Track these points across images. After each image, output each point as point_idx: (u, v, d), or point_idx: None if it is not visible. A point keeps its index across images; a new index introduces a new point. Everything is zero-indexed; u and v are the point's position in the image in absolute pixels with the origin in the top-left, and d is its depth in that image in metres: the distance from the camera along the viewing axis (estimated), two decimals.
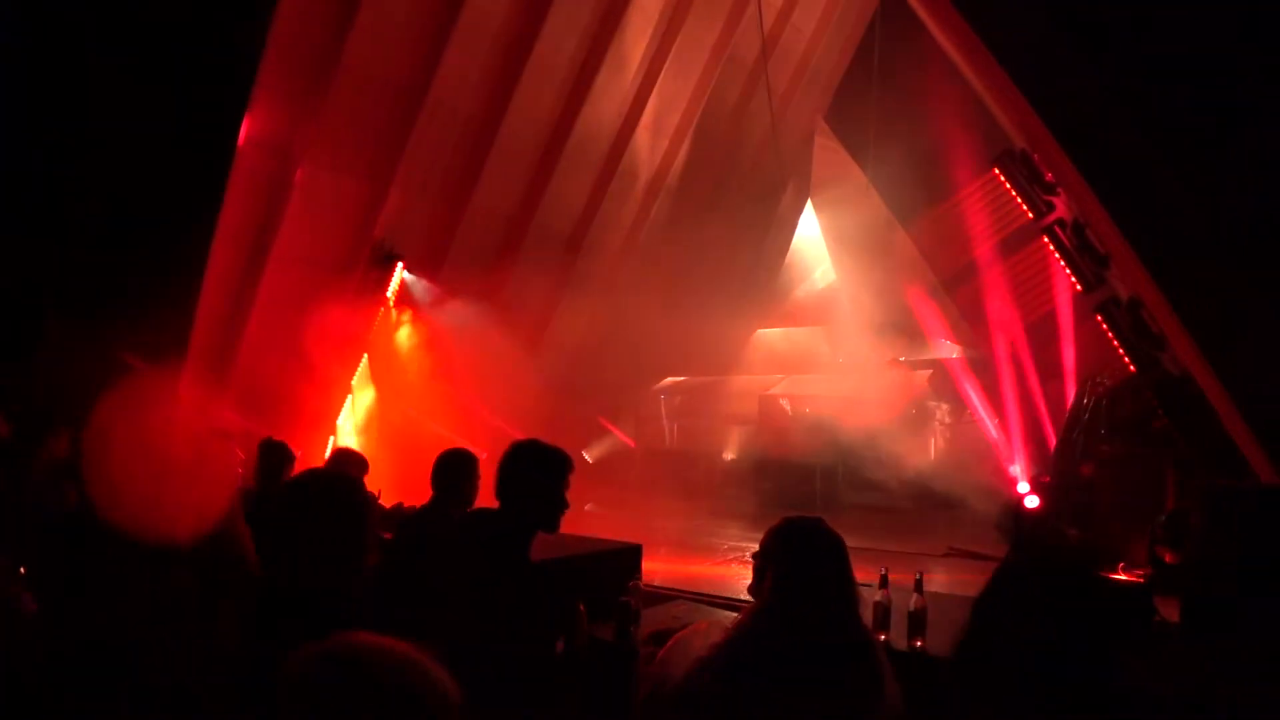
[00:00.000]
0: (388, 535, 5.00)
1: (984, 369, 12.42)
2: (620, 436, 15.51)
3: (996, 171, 9.33)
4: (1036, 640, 2.16)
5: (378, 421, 13.08)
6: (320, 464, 11.84)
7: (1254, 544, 4.46)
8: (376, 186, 11.67)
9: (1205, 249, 6.00)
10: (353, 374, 12.56)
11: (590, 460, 15.02)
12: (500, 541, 3.23)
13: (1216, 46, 5.68)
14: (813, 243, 16.33)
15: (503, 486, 3.29)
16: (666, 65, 14.11)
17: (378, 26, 10.64)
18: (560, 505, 3.29)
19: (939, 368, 13.98)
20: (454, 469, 4.82)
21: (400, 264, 12.20)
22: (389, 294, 12.24)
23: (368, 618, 2.72)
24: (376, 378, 12.80)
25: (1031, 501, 10.41)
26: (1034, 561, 2.31)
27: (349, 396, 12.63)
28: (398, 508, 6.92)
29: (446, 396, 13.19)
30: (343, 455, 6.31)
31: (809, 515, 2.74)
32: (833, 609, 2.53)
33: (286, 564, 2.54)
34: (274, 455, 5.89)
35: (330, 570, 2.54)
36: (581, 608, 3.61)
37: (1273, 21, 5.54)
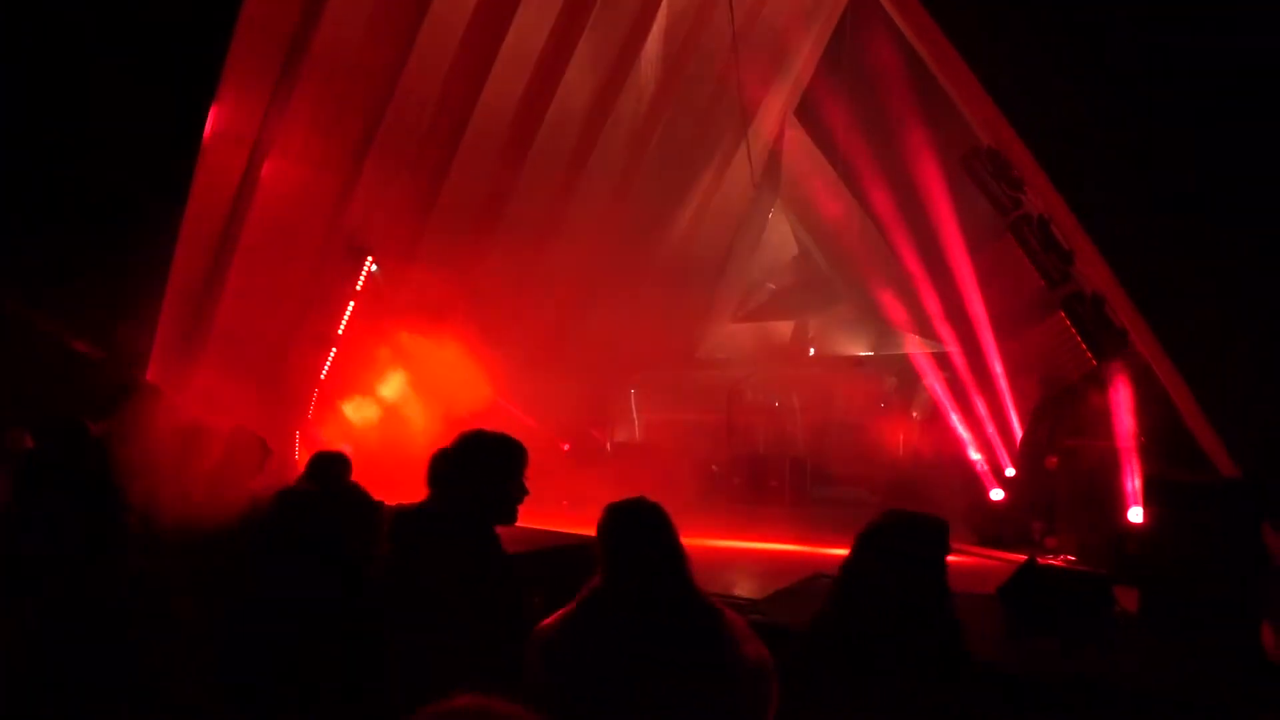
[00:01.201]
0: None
1: (952, 363, 12.54)
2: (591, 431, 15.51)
3: (962, 169, 9.42)
4: (884, 609, 2.22)
5: (350, 416, 13.01)
6: (291, 459, 11.80)
7: (1202, 535, 4.57)
8: (345, 178, 11.59)
9: (1167, 246, 6.09)
10: (322, 368, 12.48)
11: (565, 450, 15.02)
12: (470, 533, 3.20)
13: (1182, 46, 5.74)
14: (783, 237, 16.40)
15: (460, 477, 3.25)
16: (637, 58, 14.10)
17: (347, 16, 10.55)
18: (520, 495, 3.28)
19: (907, 362, 14.09)
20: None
21: (369, 256, 12.13)
22: (358, 286, 12.16)
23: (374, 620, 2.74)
24: (348, 371, 12.71)
25: (997, 494, 10.54)
26: (893, 532, 2.38)
27: (316, 391, 12.55)
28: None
29: (417, 389, 13.14)
30: (325, 458, 5.57)
31: (635, 498, 2.83)
32: (658, 583, 2.60)
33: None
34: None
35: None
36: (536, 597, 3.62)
37: (1238, 21, 5.62)
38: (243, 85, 10.10)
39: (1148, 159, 6.08)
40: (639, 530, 2.71)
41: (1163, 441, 7.83)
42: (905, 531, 2.43)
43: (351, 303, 12.23)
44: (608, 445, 15.17)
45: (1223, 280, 5.89)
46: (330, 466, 5.04)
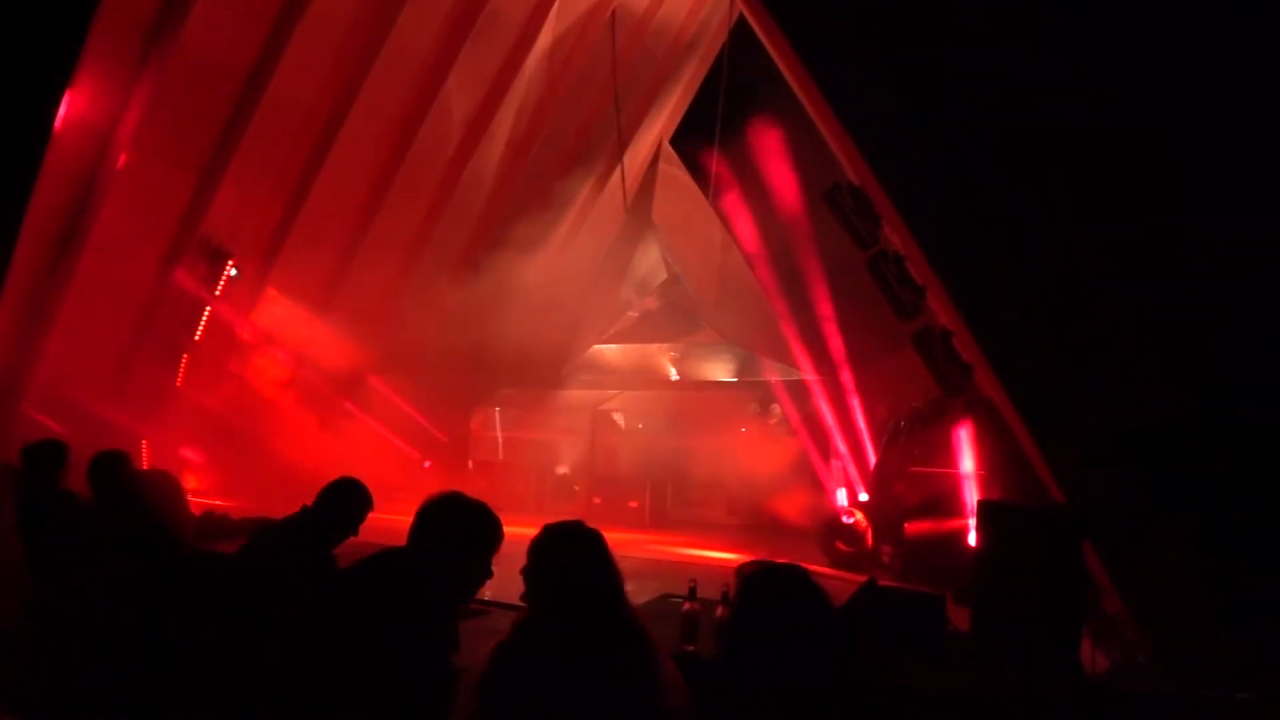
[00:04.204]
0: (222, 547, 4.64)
1: (813, 391, 12.94)
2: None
3: (826, 203, 9.77)
4: (765, 642, 2.31)
5: (202, 424, 12.53)
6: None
7: (1029, 557, 4.87)
8: (207, 178, 11.19)
9: (1008, 287, 6.48)
10: (176, 376, 11.95)
11: (426, 466, 14.83)
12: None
13: (1029, 103, 6.09)
14: (653, 261, 16.62)
15: (424, 538, 3.00)
16: (517, 76, 14.13)
17: (219, 7, 10.23)
18: (484, 574, 3.06)
19: (770, 389, 14.45)
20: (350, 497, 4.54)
21: (229, 261, 11.73)
22: (216, 292, 11.73)
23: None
24: (200, 380, 12.23)
25: (849, 519, 10.90)
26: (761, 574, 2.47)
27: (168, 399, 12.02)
28: (208, 515, 6.64)
29: (270, 402, 12.76)
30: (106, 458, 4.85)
31: (570, 520, 2.79)
32: (592, 603, 2.58)
33: None
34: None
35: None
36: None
37: (1082, 74, 6.00)
38: (101, 73, 9.67)
39: (997, 204, 6.45)
40: (575, 553, 2.65)
41: (1004, 470, 8.26)
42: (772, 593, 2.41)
43: (209, 308, 11.78)
44: (425, 464, 15.08)
45: (1058, 324, 6.28)
46: (113, 467, 4.66)
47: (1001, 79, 6.07)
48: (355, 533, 4.35)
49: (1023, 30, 5.90)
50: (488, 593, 6.98)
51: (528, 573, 2.67)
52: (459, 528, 2.97)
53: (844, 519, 10.93)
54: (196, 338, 11.84)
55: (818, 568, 10.25)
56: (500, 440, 15.86)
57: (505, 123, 14.56)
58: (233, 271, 11.81)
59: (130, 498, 3.44)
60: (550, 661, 2.46)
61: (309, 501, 4.38)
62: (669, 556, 10.35)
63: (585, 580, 2.60)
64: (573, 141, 16.01)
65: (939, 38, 6.18)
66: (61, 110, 9.32)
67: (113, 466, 4.63)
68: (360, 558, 3.06)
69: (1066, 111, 5.98)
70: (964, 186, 6.48)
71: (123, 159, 10.13)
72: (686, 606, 4.22)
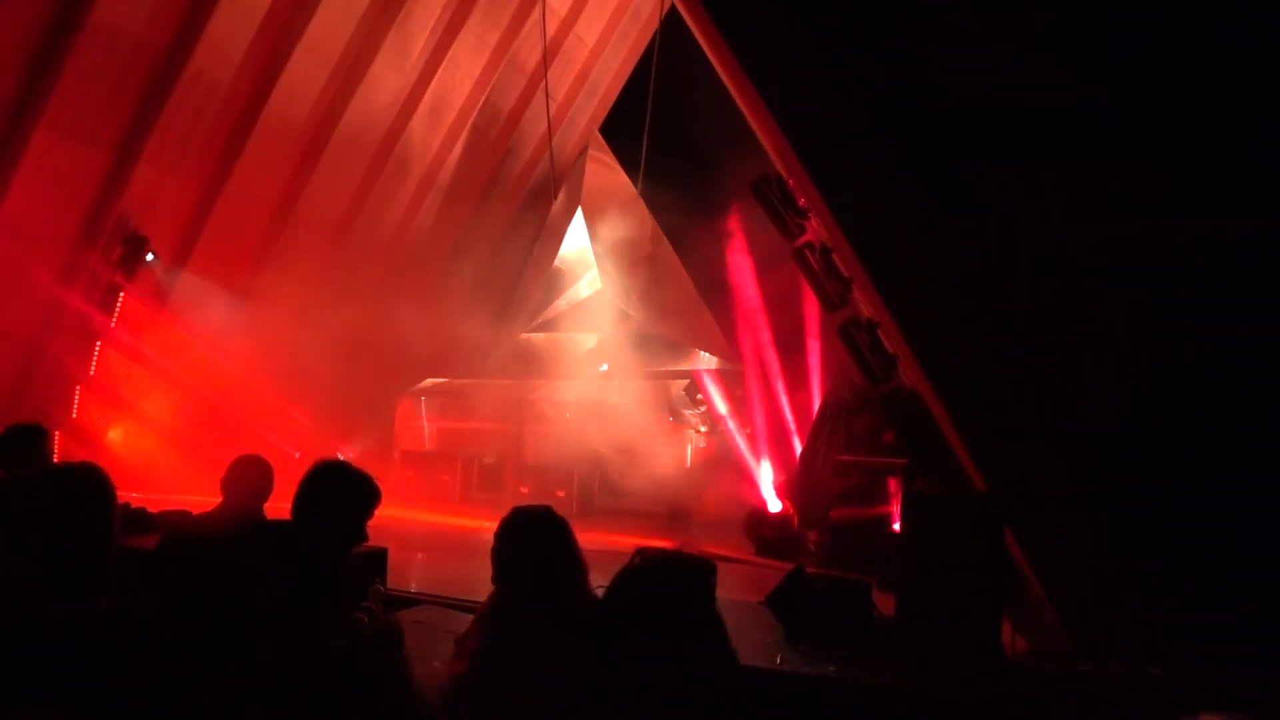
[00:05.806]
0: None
1: (738, 380, 13.05)
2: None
3: (753, 195, 9.83)
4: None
5: (115, 416, 12.15)
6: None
7: (952, 544, 4.98)
8: (122, 159, 10.84)
9: (933, 280, 6.59)
10: (88, 364, 11.55)
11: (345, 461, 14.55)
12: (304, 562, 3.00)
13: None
14: (581, 250, 16.58)
15: (306, 506, 3.09)
16: (446, 60, 13.95)
17: None
18: (358, 536, 3.14)
19: (696, 378, 14.53)
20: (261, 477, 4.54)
21: (146, 245, 11.36)
22: (130, 277, 11.36)
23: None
24: (114, 369, 11.84)
25: (775, 506, 11.03)
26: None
27: (79, 389, 11.61)
28: (124, 507, 6.42)
29: (191, 391, 12.42)
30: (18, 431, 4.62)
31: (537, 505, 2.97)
32: (563, 584, 2.74)
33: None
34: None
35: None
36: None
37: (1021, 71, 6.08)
38: (8, 45, 9.31)
39: (920, 195, 6.54)
40: (545, 537, 2.85)
41: (929, 458, 8.42)
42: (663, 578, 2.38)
43: (123, 293, 11.40)
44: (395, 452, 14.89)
45: (982, 317, 6.40)
46: (27, 441, 4.41)
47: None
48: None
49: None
50: (413, 585, 6.96)
51: (505, 555, 2.84)
52: (345, 495, 3.12)
53: (770, 507, 11.06)
54: (111, 324, 11.47)
55: (744, 555, 10.35)
56: (426, 429, 15.68)
57: (433, 107, 14.36)
58: (150, 256, 11.45)
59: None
60: (523, 638, 2.55)
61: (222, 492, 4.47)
62: (593, 545, 10.33)
63: (551, 564, 2.80)
64: (502, 128, 15.86)
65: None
66: None
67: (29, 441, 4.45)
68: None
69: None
70: (889, 178, 6.55)
71: (33, 136, 9.76)
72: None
